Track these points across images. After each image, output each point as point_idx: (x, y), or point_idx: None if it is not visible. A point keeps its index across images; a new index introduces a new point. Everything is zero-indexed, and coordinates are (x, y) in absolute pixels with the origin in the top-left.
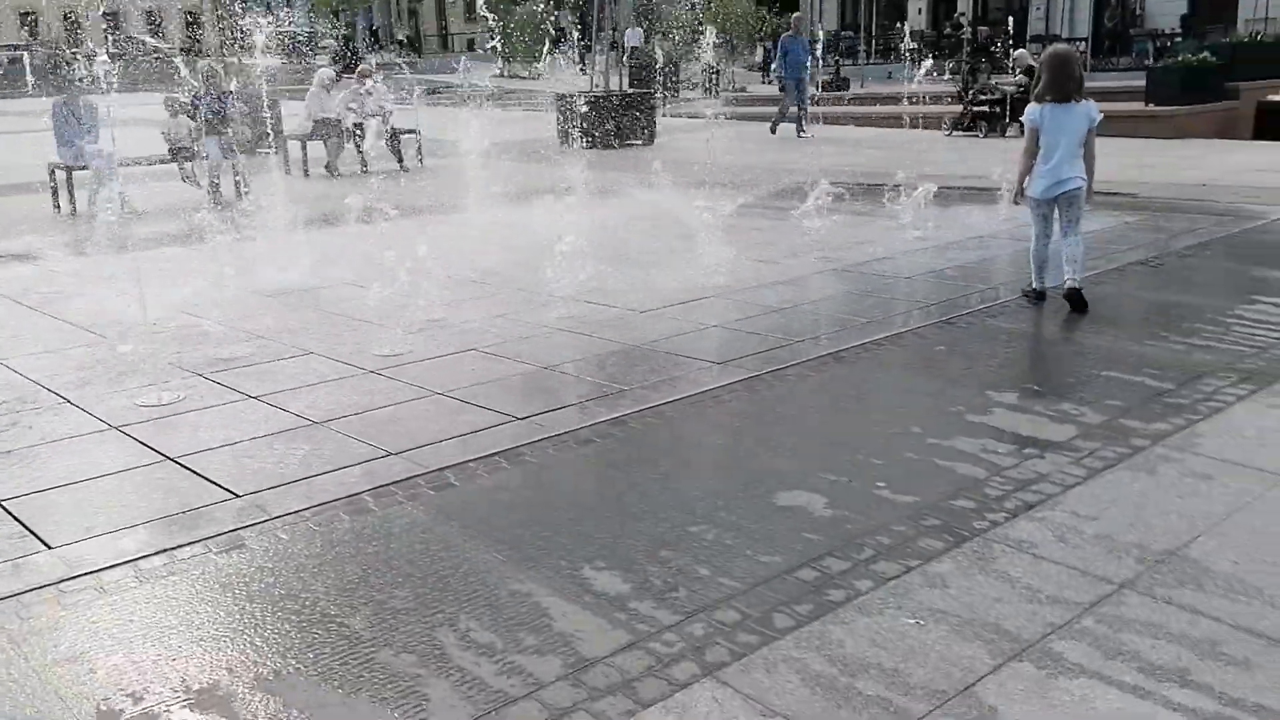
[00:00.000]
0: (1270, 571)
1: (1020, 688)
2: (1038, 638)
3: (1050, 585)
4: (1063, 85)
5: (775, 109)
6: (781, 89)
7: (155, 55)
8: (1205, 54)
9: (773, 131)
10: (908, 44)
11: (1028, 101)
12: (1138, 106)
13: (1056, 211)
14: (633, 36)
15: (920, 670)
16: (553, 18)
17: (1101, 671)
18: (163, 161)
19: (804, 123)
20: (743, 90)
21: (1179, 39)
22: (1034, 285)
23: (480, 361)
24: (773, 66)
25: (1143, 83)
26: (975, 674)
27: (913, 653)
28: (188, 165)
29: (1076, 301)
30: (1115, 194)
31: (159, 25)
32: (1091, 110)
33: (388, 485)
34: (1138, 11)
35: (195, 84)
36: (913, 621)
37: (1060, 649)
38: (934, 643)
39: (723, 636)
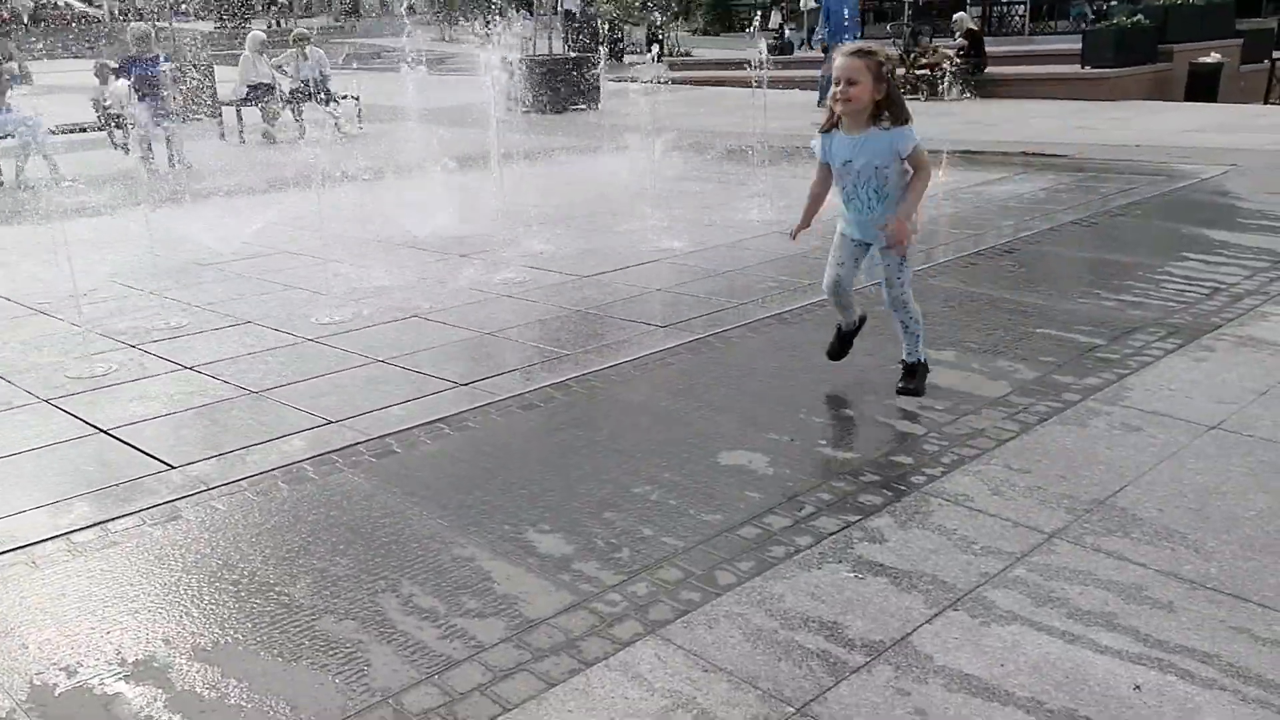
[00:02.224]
0: (1193, 518)
1: (955, 636)
2: (972, 587)
3: (984, 536)
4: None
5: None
6: (826, 53)
7: (83, 19)
8: (1139, 17)
9: (821, 104)
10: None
11: (967, 66)
12: (1074, 69)
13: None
14: (569, 0)
15: (859, 622)
16: None
17: (1032, 618)
18: (93, 129)
19: None
20: (687, 54)
21: (1115, 2)
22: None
23: (423, 327)
24: (816, 28)
25: (1079, 46)
26: (912, 624)
27: (852, 605)
28: (119, 133)
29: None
30: (1052, 155)
31: None
32: None
33: (328, 453)
34: None
35: (125, 48)
36: (852, 575)
37: (993, 597)
38: (872, 595)
39: (666, 595)
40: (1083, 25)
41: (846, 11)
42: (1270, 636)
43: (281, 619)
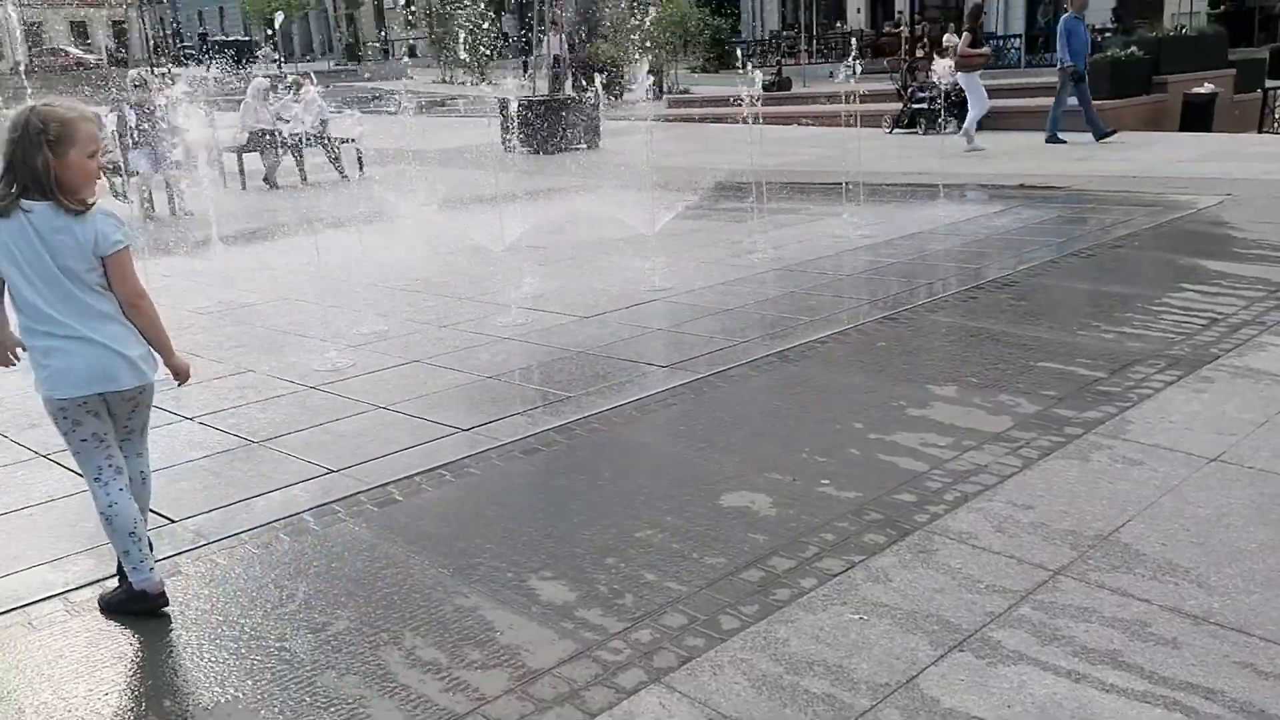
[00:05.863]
0: (1196, 552)
1: (961, 677)
2: (977, 627)
3: (989, 575)
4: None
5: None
6: (1075, 78)
7: (80, 66)
8: (1133, 49)
9: (1100, 137)
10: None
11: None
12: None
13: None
14: (553, 44)
15: (864, 665)
16: (493, 23)
17: (1038, 657)
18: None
19: (1098, 120)
20: (686, 92)
21: (1109, 34)
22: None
23: (424, 373)
24: (1056, 53)
25: None
26: (918, 665)
27: (857, 648)
28: (117, 180)
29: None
30: (1050, 187)
31: (84, 35)
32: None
33: (330, 504)
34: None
35: (123, 95)
36: (856, 617)
37: (999, 637)
38: (877, 637)
39: (670, 641)
40: None
41: (1086, 33)
42: (1273, 670)
43: (283, 675)
